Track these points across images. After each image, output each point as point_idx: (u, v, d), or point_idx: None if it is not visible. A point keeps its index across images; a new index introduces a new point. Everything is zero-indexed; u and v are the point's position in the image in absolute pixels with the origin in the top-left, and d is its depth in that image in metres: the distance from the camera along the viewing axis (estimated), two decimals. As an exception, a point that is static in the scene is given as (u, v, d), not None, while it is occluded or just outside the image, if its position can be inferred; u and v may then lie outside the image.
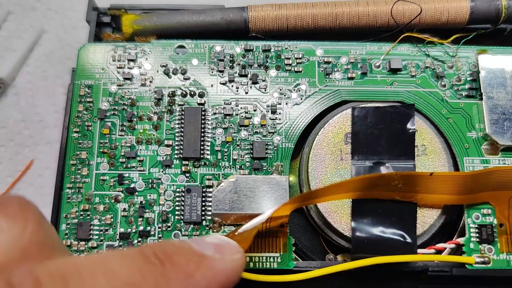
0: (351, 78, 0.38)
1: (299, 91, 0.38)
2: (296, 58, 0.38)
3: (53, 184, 0.37)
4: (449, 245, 0.36)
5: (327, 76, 0.38)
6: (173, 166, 0.36)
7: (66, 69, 0.45)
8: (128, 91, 0.37)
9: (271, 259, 0.35)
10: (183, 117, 0.37)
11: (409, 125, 0.37)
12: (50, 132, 0.44)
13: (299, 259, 0.36)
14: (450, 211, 0.37)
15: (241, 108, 0.37)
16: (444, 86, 0.39)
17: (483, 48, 0.39)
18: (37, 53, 0.47)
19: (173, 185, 0.36)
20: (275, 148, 0.37)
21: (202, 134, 0.36)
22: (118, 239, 0.35)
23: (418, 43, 0.39)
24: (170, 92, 0.37)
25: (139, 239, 0.35)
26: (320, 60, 0.39)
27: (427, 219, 0.36)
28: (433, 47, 0.39)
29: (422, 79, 0.39)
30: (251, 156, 0.36)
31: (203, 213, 0.35)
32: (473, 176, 0.35)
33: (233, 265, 0.23)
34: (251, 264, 0.34)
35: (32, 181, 0.44)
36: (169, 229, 0.35)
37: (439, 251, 0.37)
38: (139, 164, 0.36)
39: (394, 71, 0.39)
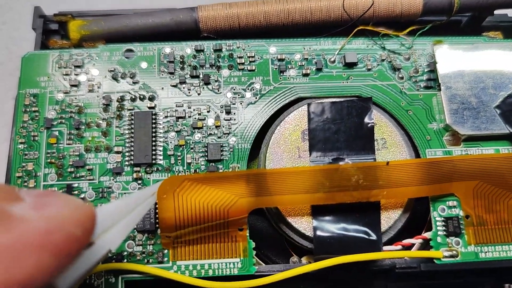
0: (306, 75, 0.37)
1: (253, 90, 0.37)
2: (249, 57, 0.37)
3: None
4: (416, 240, 0.35)
5: (281, 74, 0.37)
6: (124, 173, 0.34)
7: (16, 81, 0.44)
8: (75, 98, 0.36)
9: (231, 265, 0.33)
10: (132, 122, 0.35)
11: (367, 119, 0.36)
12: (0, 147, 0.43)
13: (262, 264, 0.35)
14: (416, 205, 0.36)
15: (193, 110, 0.36)
16: (402, 78, 0.38)
17: (438, 38, 0.39)
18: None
19: (124, 193, 0.34)
20: (231, 150, 0.35)
21: (154, 139, 0.35)
22: (67, 254, 0.33)
23: (373, 36, 0.39)
24: (119, 97, 0.36)
25: (90, 252, 0.33)
26: (274, 57, 0.38)
27: (391, 214, 0.35)
28: (389, 40, 0.39)
29: (379, 72, 0.38)
30: (206, 159, 0.35)
31: (157, 220, 0.33)
32: (431, 163, 0.34)
33: (50, 224, 0.19)
34: (210, 271, 0.33)
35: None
36: (121, 239, 0.33)
37: (408, 248, 0.35)
38: (89, 173, 0.34)
39: (349, 65, 0.38)
